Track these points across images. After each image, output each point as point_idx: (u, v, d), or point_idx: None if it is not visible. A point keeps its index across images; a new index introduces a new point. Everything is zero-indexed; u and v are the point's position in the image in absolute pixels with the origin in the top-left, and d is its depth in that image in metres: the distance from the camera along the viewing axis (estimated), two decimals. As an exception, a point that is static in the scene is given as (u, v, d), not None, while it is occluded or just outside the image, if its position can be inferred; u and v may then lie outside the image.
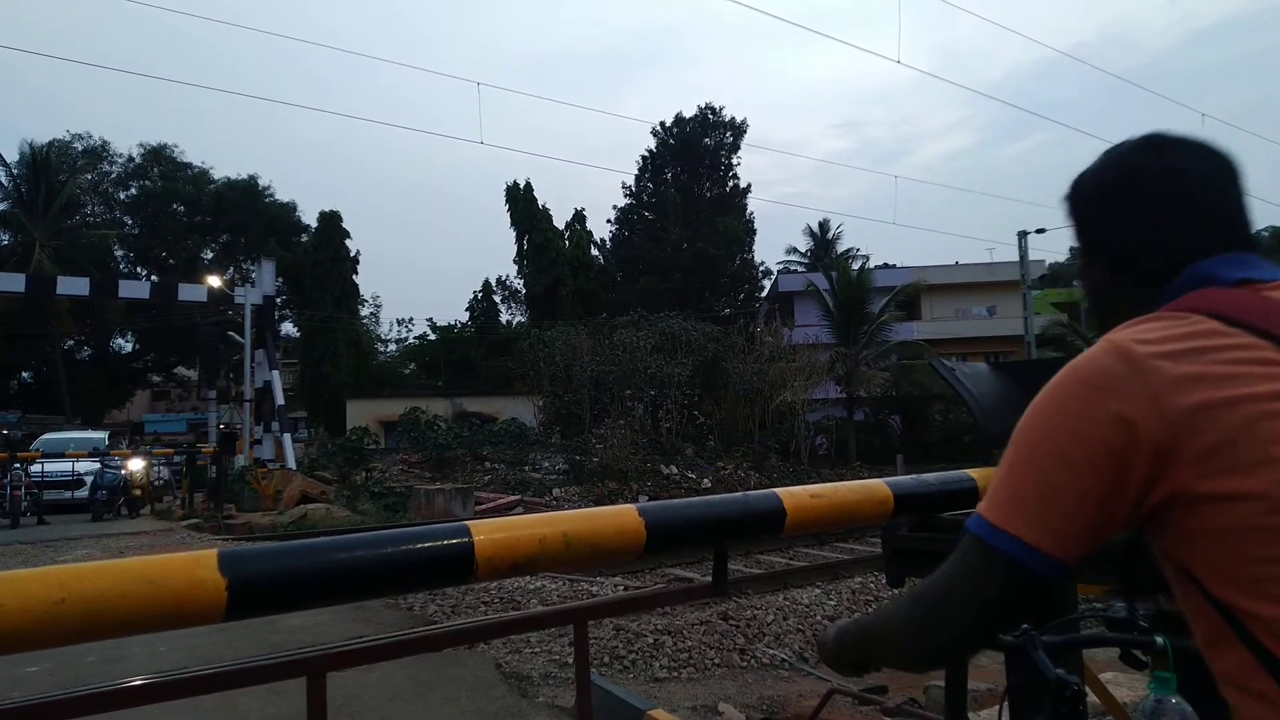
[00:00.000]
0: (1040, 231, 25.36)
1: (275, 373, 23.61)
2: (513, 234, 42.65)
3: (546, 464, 24.50)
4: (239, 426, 25.95)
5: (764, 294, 43.56)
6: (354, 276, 42.29)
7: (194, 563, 1.72)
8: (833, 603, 7.60)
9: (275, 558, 1.83)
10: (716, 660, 6.01)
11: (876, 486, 2.76)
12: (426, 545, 1.98)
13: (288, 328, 42.70)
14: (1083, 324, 32.54)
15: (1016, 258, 26.88)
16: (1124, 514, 0.84)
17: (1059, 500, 0.83)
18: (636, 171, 43.87)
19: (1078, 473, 0.82)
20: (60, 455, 19.19)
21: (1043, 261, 36.97)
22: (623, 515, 2.31)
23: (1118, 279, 1.01)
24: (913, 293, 34.02)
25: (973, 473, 3.12)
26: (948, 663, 1.07)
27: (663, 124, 43.26)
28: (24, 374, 40.61)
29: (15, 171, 36.46)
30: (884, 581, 4.63)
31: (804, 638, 6.44)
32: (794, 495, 2.56)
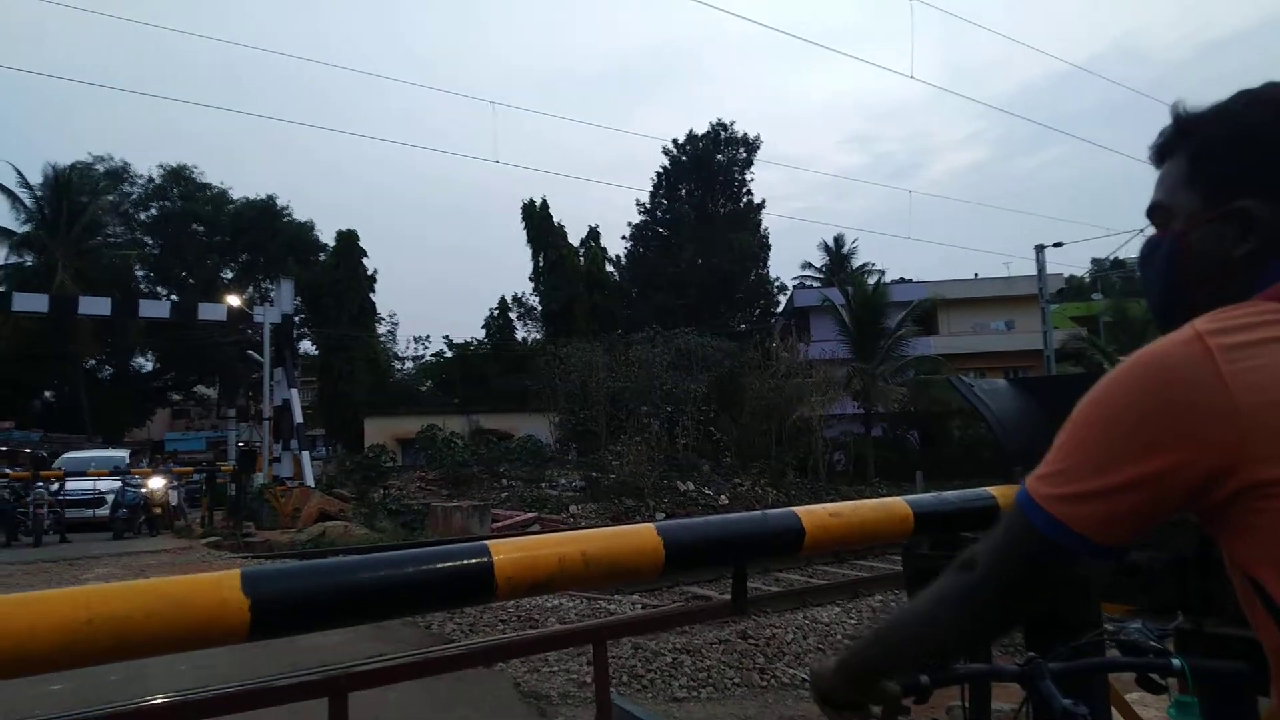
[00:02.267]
0: (1058, 245, 25.22)
1: (294, 391, 23.77)
2: (528, 251, 42.92)
3: (563, 481, 24.50)
4: (258, 444, 26.14)
5: (779, 309, 43.50)
6: (371, 295, 42.65)
7: (217, 583, 1.74)
8: (853, 621, 7.53)
9: (298, 578, 1.84)
10: (736, 680, 5.96)
11: (896, 505, 2.74)
12: (447, 565, 1.99)
13: (306, 346, 43.04)
14: (1101, 338, 32.32)
15: (1034, 272, 26.70)
16: (1175, 505, 0.83)
17: (1107, 482, 0.82)
18: (651, 188, 44.10)
19: (1135, 457, 0.81)
20: (82, 474, 19.36)
21: (1060, 275, 36.74)
22: (641, 534, 2.31)
23: (1238, 246, 0.89)
24: (929, 308, 33.88)
25: (993, 490, 3.10)
26: (974, 643, 1.05)
27: (675, 141, 43.49)
28: (46, 393, 41.05)
29: (39, 194, 37.03)
30: (905, 600, 4.59)
31: (823, 657, 6.39)
32: (812, 514, 2.55)
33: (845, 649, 1.13)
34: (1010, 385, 3.83)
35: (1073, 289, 42.52)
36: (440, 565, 1.99)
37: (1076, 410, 0.87)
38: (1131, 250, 29.18)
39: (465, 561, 2.01)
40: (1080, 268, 48.83)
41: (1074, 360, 30.84)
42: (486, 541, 2.11)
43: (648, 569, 2.34)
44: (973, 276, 41.51)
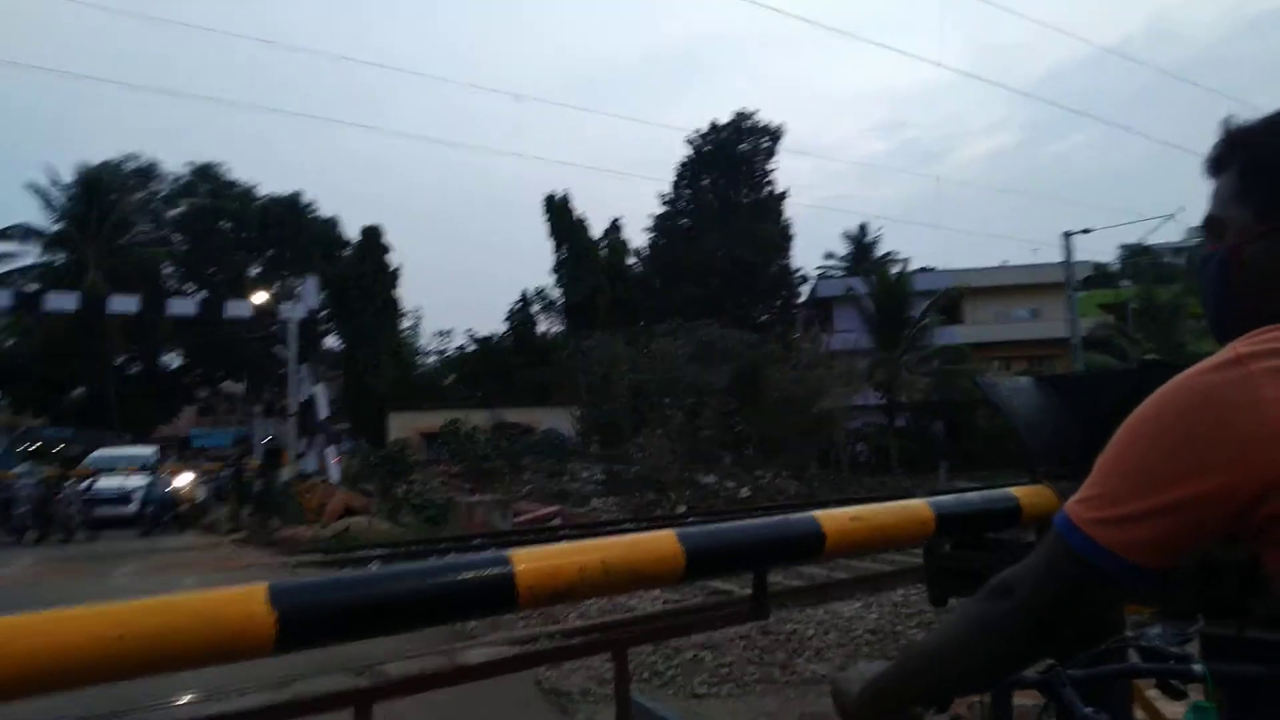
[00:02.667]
0: (1086, 231, 24.86)
1: (319, 386, 23.98)
2: (550, 244, 43.00)
3: (585, 474, 24.58)
4: (284, 440, 26.42)
5: (802, 300, 43.28)
6: (395, 290, 42.92)
7: (245, 597, 1.77)
8: (874, 615, 7.51)
9: (323, 591, 1.87)
10: (757, 676, 5.97)
11: (918, 507, 2.73)
12: (469, 576, 2.01)
13: (331, 340, 43.41)
14: (1129, 325, 31.85)
15: (1060, 259, 26.36)
16: (1218, 528, 0.83)
17: (1149, 505, 0.82)
18: (673, 179, 43.96)
19: (1176, 480, 0.81)
20: (111, 471, 19.69)
21: (1088, 262, 36.23)
22: (661, 541, 2.32)
23: None
24: (954, 296, 33.57)
25: (1016, 491, 3.08)
26: (1008, 670, 1.05)
27: (698, 131, 43.30)
28: (77, 390, 41.74)
29: (69, 193, 37.57)
30: (928, 595, 4.58)
31: (846, 652, 6.37)
32: (833, 518, 2.55)
33: (871, 673, 1.11)
34: (1035, 384, 3.80)
35: (1100, 276, 41.92)
36: (462, 576, 2.01)
37: (1118, 433, 0.87)
38: (1161, 236, 28.73)
39: (487, 572, 2.03)
40: (1108, 254, 48.12)
41: (1102, 348, 30.43)
42: (507, 551, 2.13)
43: (668, 575, 2.36)
44: (999, 264, 41.10)
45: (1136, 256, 43.27)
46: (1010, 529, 3.43)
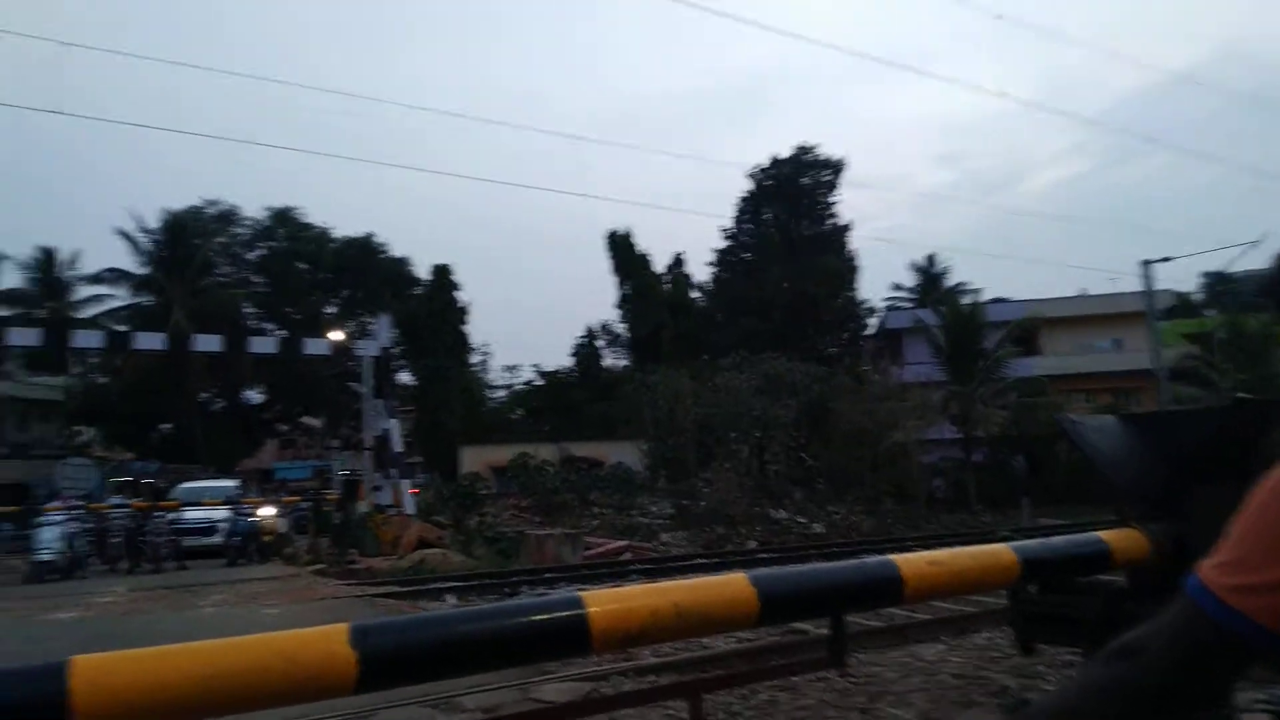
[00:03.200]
0: (1165, 260, 23.97)
1: (393, 421, 24.50)
2: (614, 280, 43.42)
3: (654, 508, 24.48)
4: (360, 473, 27.03)
5: (870, 332, 42.64)
6: (464, 326, 43.84)
7: (326, 637, 1.81)
8: (958, 659, 7.24)
9: (403, 631, 1.91)
10: (834, 720, 5.81)
11: (1001, 552, 2.65)
12: (542, 618, 2.02)
13: (404, 376, 44.47)
14: (1216, 356, 30.43)
15: (1138, 288, 25.42)
16: None
17: None
18: (735, 214, 44.04)
19: None
20: (197, 503, 20.41)
21: (1169, 291, 34.86)
22: (734, 585, 2.29)
23: None
24: (1030, 327, 32.65)
25: (1105, 535, 2.96)
26: None
27: (759, 166, 43.37)
28: (164, 425, 43.55)
29: (156, 238, 39.57)
30: (1015, 642, 4.40)
31: (929, 698, 6.16)
32: (911, 563, 2.49)
33: None
34: (1119, 422, 3.66)
35: (1183, 305, 40.29)
36: (537, 618, 2.02)
37: (1255, 496, 0.86)
38: (1244, 264, 27.53)
39: (561, 614, 2.04)
40: (1188, 283, 46.22)
41: (1188, 380, 29.13)
42: (580, 593, 2.13)
43: (742, 620, 2.33)
44: (1077, 294, 39.87)
45: (1219, 285, 41.53)
46: (1100, 573, 3.29)
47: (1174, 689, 0.88)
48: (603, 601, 2.13)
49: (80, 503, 20.02)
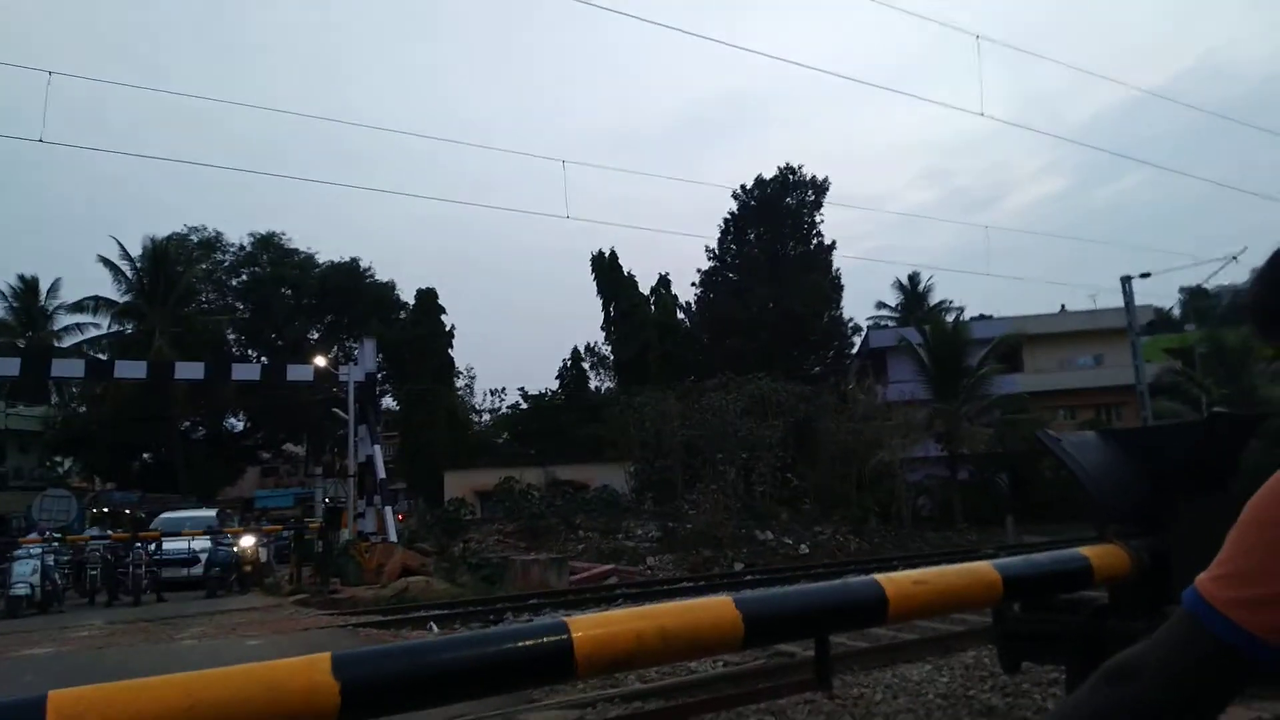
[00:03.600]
0: (1145, 276, 24.27)
1: (377, 447, 24.34)
2: (599, 302, 43.49)
3: (640, 531, 24.38)
4: (343, 500, 26.82)
5: (854, 351, 42.85)
6: (450, 350, 43.74)
7: (309, 666, 1.80)
8: (945, 679, 7.22)
9: (386, 660, 1.89)
10: (823, 742, 5.77)
11: (983, 570, 2.66)
12: (527, 644, 2.01)
13: (388, 401, 44.25)
14: (1198, 370, 30.79)
15: (1120, 304, 25.72)
16: None
17: None
18: (719, 234, 44.26)
19: None
20: (177, 534, 20.16)
21: (1149, 307, 35.30)
22: (719, 607, 2.29)
23: None
24: (1013, 344, 32.90)
25: (1087, 551, 2.98)
26: None
27: (743, 186, 43.66)
28: (145, 454, 43.07)
29: (138, 265, 39.32)
30: (999, 662, 4.40)
31: (915, 718, 6.14)
32: (896, 582, 2.49)
33: None
34: (1100, 438, 3.69)
35: (1162, 320, 40.79)
36: (521, 644, 2.01)
37: (1252, 506, 0.84)
38: (1222, 278, 27.95)
39: (545, 639, 2.03)
40: (1169, 298, 46.88)
41: (1169, 394, 29.43)
42: (565, 619, 2.12)
43: (728, 643, 2.32)
44: (1058, 310, 40.28)
45: (1196, 300, 42.09)
46: (1082, 590, 3.31)
47: (1174, 707, 0.86)
48: (587, 627, 2.12)
49: (58, 534, 19.72)
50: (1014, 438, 28.82)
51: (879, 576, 2.50)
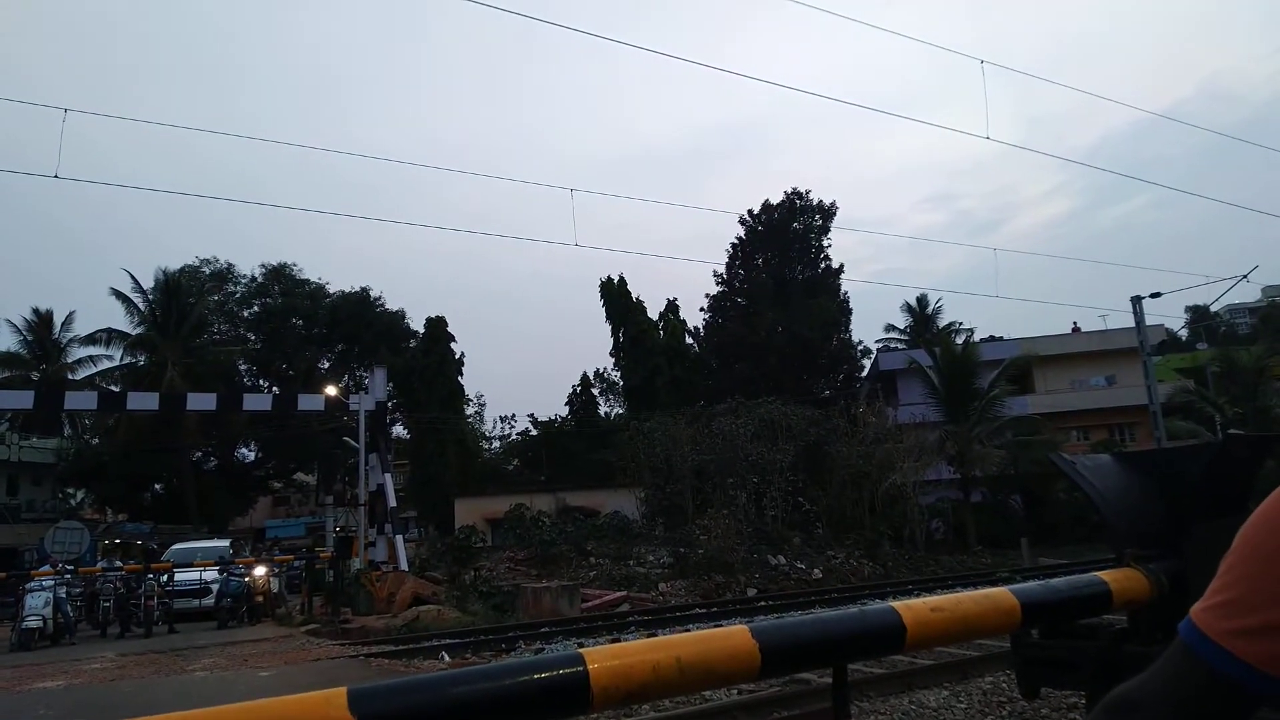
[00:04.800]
0: (1155, 296, 24.16)
1: (388, 476, 24.35)
2: (608, 328, 43.57)
3: (651, 557, 24.22)
4: (354, 529, 26.77)
5: (864, 374, 42.76)
6: (459, 378, 43.80)
7: (325, 702, 1.79)
8: (963, 705, 7.13)
9: (401, 694, 1.88)
10: (840, 772, 5.69)
11: (1002, 596, 2.63)
12: (542, 676, 2.00)
13: (398, 429, 44.29)
14: (1210, 389, 30.57)
15: (1131, 324, 25.61)
16: None
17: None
18: (727, 259, 44.41)
19: None
20: (188, 565, 20.17)
21: (1160, 326, 35.14)
22: (735, 637, 2.27)
23: None
24: (1024, 365, 32.75)
25: (1105, 575, 2.95)
26: None
27: (750, 212, 43.86)
28: (156, 485, 43.15)
29: (151, 297, 39.66)
30: (1019, 688, 4.34)
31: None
32: (913, 609, 2.47)
33: None
34: (1115, 460, 3.67)
35: (1173, 340, 40.63)
36: (536, 677, 2.00)
37: (1245, 532, 0.82)
38: (1231, 298, 27.84)
39: (560, 671, 2.02)
40: (1180, 319, 46.55)
41: (1183, 414, 29.21)
42: (581, 650, 2.11)
43: (744, 673, 2.30)
44: (1070, 330, 40.13)
45: (1202, 320, 41.95)
46: (1101, 614, 3.27)
47: None
48: (603, 658, 2.11)
49: (70, 566, 19.74)
50: (1026, 459, 28.65)
51: (896, 604, 2.47)
